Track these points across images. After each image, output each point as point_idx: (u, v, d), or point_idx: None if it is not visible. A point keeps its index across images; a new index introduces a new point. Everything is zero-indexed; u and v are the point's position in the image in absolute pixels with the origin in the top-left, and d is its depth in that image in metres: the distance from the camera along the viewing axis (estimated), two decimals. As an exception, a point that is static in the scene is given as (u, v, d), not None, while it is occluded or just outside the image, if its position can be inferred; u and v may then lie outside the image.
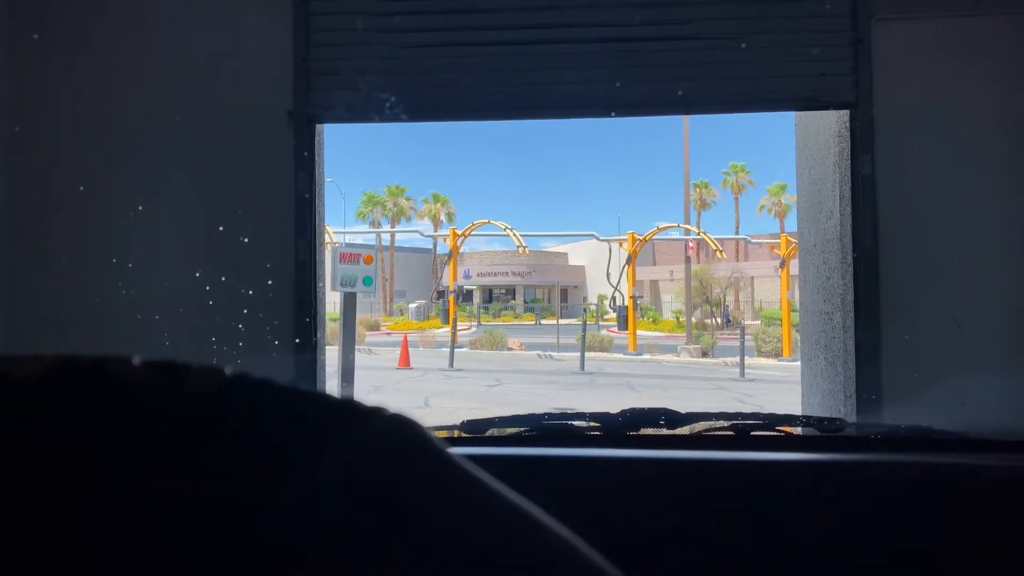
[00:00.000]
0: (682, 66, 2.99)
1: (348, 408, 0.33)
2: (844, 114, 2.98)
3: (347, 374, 5.43)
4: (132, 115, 3.00)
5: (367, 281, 5.90)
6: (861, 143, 2.90)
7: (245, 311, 2.91)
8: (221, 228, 2.97)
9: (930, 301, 2.82)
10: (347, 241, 28.06)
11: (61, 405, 0.31)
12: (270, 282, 2.95)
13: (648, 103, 3.06)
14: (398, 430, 0.33)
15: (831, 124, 3.09)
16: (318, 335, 3.10)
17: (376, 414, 0.33)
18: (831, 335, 3.15)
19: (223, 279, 2.91)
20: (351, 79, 3.06)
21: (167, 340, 2.85)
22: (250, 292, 2.94)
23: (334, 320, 10.95)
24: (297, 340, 2.97)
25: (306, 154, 3.01)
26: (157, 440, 0.31)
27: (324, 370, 3.30)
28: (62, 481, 0.29)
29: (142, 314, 2.88)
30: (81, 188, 2.94)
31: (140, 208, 2.95)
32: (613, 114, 3.09)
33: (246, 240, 2.97)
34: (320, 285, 3.12)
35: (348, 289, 5.77)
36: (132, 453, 0.30)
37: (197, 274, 2.92)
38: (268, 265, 2.96)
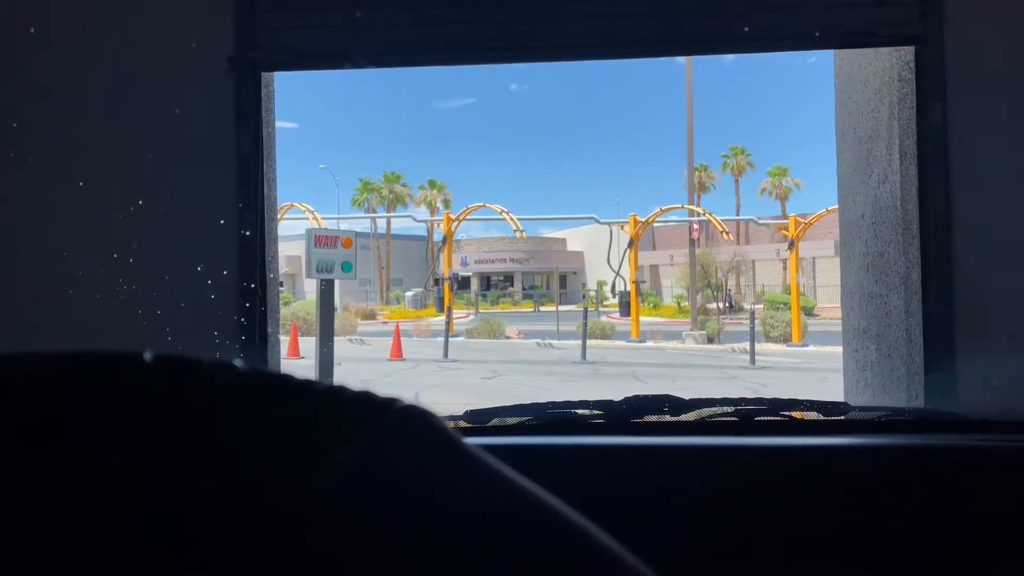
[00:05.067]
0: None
1: (361, 399, 0.33)
2: (907, 52, 2.43)
3: (325, 369, 4.89)
4: (47, 64, 2.47)
5: (346, 267, 5.33)
6: (930, 88, 2.36)
7: (178, 297, 2.40)
8: (150, 199, 2.45)
9: (1015, 279, 2.30)
10: (343, 228, 27.57)
11: (79, 404, 0.30)
12: (210, 263, 2.44)
13: (662, 41, 2.50)
14: (412, 420, 0.33)
15: (888, 67, 2.54)
16: (269, 329, 2.59)
17: (389, 405, 0.33)
18: (886, 322, 2.62)
19: (145, 252, 2.38)
20: (303, 18, 2.53)
21: (74, 333, 2.33)
22: (184, 275, 2.43)
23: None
24: (242, 336, 2.46)
25: (251, 108, 2.49)
26: (175, 438, 0.30)
27: (279, 368, 2.79)
28: (77, 481, 0.29)
29: (42, 296, 2.36)
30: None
31: (56, 174, 2.43)
32: (615, 54, 2.54)
33: (179, 212, 2.44)
34: (271, 267, 2.61)
35: (325, 275, 5.21)
36: (150, 451, 0.30)
37: (117, 254, 2.40)
38: (206, 243, 2.45)
